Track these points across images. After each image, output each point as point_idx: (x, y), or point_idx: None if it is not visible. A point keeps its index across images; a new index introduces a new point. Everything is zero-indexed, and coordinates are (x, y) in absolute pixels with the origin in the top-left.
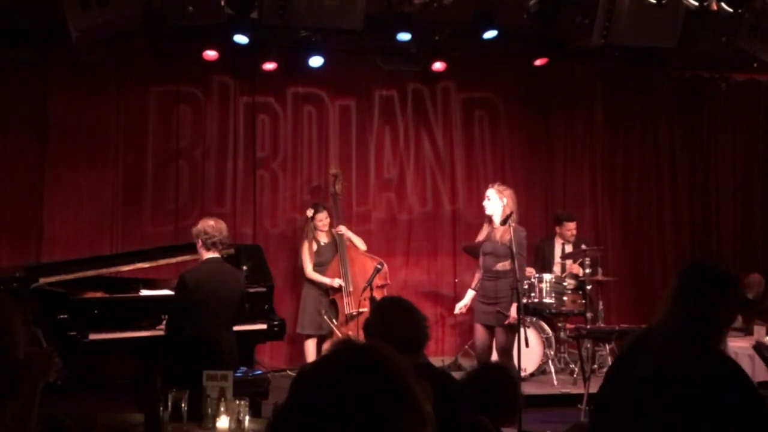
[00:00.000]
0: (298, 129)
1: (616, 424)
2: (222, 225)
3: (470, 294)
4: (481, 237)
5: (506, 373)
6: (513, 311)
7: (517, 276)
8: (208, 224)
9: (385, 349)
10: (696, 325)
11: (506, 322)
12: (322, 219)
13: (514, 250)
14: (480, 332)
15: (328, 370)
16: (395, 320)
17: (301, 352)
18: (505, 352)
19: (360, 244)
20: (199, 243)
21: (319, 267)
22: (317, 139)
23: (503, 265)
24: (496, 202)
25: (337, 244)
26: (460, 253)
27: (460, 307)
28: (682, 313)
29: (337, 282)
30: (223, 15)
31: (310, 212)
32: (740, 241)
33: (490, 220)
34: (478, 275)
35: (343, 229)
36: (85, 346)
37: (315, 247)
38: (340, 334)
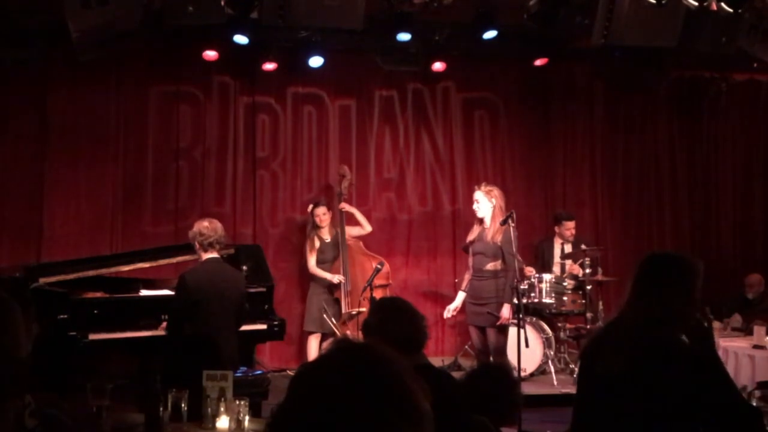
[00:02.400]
0: (298, 129)
1: (594, 426)
2: (217, 225)
3: (461, 296)
4: (471, 237)
5: (505, 373)
6: (504, 312)
7: (516, 276)
8: (203, 225)
9: (382, 348)
10: (656, 312)
11: (498, 323)
12: (319, 215)
13: (513, 250)
14: (474, 333)
15: (326, 370)
16: (394, 320)
17: (302, 352)
18: (499, 351)
19: (365, 222)
20: (197, 245)
21: (322, 264)
22: (317, 139)
23: (494, 265)
24: (486, 204)
25: (339, 242)
26: (460, 253)
27: (451, 309)
28: (641, 302)
29: (337, 278)
30: (223, 15)
31: (310, 207)
32: (740, 241)
33: (480, 221)
34: (467, 276)
35: (346, 206)
36: (85, 346)
37: (317, 243)
38: (339, 333)
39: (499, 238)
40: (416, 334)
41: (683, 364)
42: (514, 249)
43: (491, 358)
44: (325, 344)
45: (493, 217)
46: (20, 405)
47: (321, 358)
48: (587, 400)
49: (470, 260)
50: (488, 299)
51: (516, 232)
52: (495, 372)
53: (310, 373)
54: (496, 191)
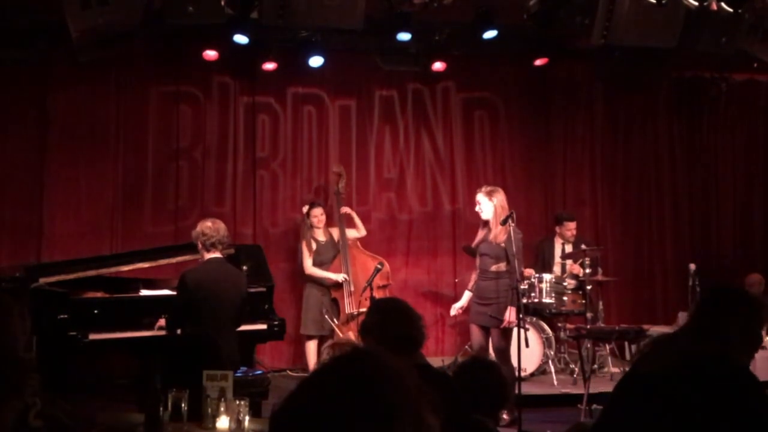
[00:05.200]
0: (298, 129)
1: (612, 425)
2: (220, 225)
3: (467, 295)
4: (476, 239)
5: (493, 365)
6: (508, 315)
7: (516, 277)
8: (206, 225)
9: (388, 358)
10: (711, 341)
11: (501, 326)
12: (317, 215)
13: (513, 251)
14: (476, 333)
15: (331, 379)
16: (392, 321)
17: (301, 352)
18: (501, 352)
19: (361, 226)
20: (199, 245)
21: (320, 266)
22: (317, 139)
23: (499, 267)
24: (488, 205)
25: (335, 242)
26: (460, 253)
27: (457, 308)
28: (699, 328)
29: (342, 277)
30: (223, 15)
31: (305, 208)
32: (740, 241)
33: (485, 223)
34: (474, 276)
35: (347, 209)
36: (85, 346)
37: (314, 245)
38: (341, 334)
39: (502, 239)
40: (414, 334)
41: (716, 384)
42: (515, 249)
43: (494, 358)
44: (326, 344)
45: (496, 218)
46: (23, 405)
47: (324, 366)
48: (615, 394)
49: (477, 261)
50: (492, 300)
51: (520, 233)
52: (483, 364)
53: (313, 383)
54: (497, 192)
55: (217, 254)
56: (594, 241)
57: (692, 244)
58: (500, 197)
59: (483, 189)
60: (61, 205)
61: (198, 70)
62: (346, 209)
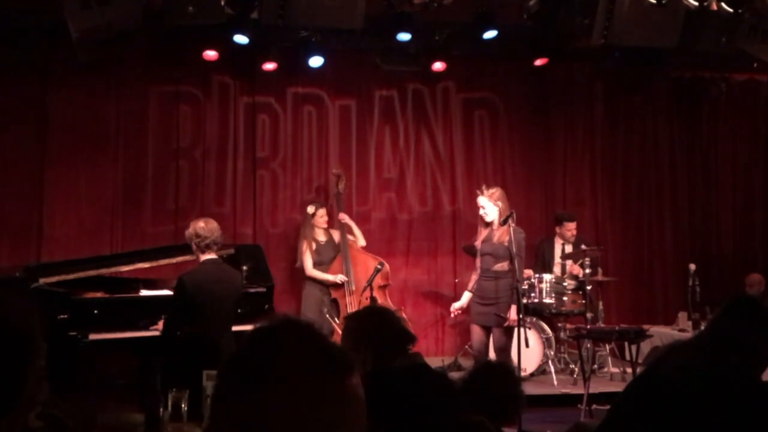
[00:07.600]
0: (298, 129)
1: (622, 424)
2: (213, 225)
3: (467, 295)
4: (478, 239)
5: (507, 371)
6: (511, 313)
7: (516, 276)
8: (199, 226)
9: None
10: (731, 353)
11: (505, 325)
12: (324, 215)
13: (514, 250)
14: (477, 333)
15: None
16: (372, 325)
17: None
18: (503, 351)
19: (360, 235)
20: (194, 247)
21: (319, 266)
22: (317, 139)
23: (501, 266)
24: (492, 208)
25: (335, 242)
26: (460, 253)
27: (456, 308)
28: (720, 338)
29: (340, 278)
30: (223, 15)
31: (311, 209)
32: (740, 241)
33: (488, 223)
34: (474, 276)
35: (345, 218)
36: (85, 346)
37: (314, 246)
38: (340, 333)
39: (506, 239)
40: (397, 335)
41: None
42: (515, 249)
43: (495, 358)
44: None
45: (499, 219)
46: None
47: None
48: (626, 394)
49: (478, 261)
50: (496, 299)
51: (523, 232)
52: (497, 370)
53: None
54: (498, 192)
55: (212, 255)
56: (594, 241)
57: (692, 244)
58: (502, 199)
59: (485, 192)
60: (61, 205)
61: (198, 70)
62: (343, 217)
